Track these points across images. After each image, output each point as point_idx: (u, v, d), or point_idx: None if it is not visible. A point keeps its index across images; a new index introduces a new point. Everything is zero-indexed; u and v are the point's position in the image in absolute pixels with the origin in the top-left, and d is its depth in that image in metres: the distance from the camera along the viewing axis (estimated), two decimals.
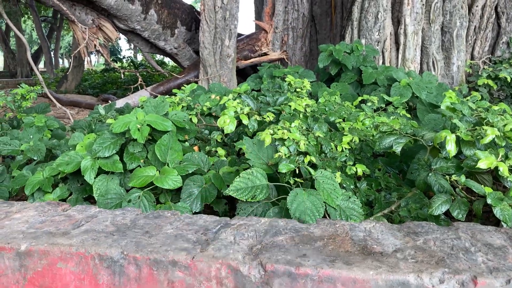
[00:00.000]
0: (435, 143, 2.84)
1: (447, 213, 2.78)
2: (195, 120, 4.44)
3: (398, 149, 2.93)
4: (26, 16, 27.62)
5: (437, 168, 2.80)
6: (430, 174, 2.73)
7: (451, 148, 2.68)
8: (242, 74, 9.81)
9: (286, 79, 5.32)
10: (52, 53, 28.86)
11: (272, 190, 2.91)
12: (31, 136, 4.93)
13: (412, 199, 2.81)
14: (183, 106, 4.72)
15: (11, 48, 30.36)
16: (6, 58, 30.97)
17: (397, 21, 7.27)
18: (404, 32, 7.06)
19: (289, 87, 5.22)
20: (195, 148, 4.15)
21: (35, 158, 4.47)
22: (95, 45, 9.07)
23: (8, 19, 8.52)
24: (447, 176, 2.75)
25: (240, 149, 4.27)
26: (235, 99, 4.71)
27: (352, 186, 3.08)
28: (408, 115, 4.16)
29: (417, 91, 4.89)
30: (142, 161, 3.54)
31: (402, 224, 2.06)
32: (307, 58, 9.87)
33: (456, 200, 2.58)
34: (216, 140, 4.32)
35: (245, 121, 3.89)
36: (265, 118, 3.98)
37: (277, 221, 2.20)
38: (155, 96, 8.43)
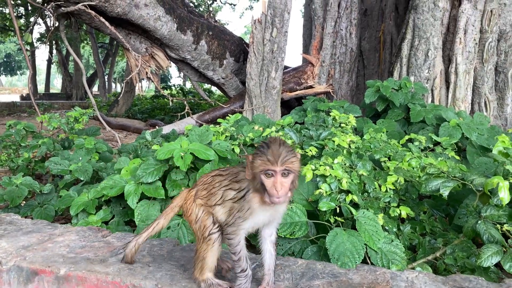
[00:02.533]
0: (486, 189, 2.70)
1: (498, 265, 2.61)
2: (237, 150, 4.46)
3: (445, 192, 2.80)
4: (85, 42, 29.21)
5: (487, 215, 2.65)
6: (479, 221, 2.58)
7: (504, 196, 2.54)
8: (287, 106, 9.85)
9: (331, 113, 5.29)
10: (106, 77, 30.25)
11: (311, 228, 2.84)
12: (80, 158, 5.12)
13: (459, 247, 2.66)
14: (226, 136, 4.77)
15: (69, 71, 32.12)
16: (64, 80, 32.76)
17: (448, 59, 7.12)
18: (455, 71, 6.89)
19: (333, 121, 5.17)
20: None
21: (82, 179, 4.62)
22: (146, 72, 9.42)
23: (68, 44, 9.03)
24: (498, 225, 2.60)
25: None
26: (278, 131, 4.71)
27: (395, 229, 2.96)
28: (457, 157, 3.99)
29: (467, 132, 4.72)
30: (183, 188, 3.57)
31: (448, 277, 1.95)
32: (353, 92, 9.81)
33: (508, 251, 2.42)
34: None
35: None
36: (307, 152, 3.94)
37: (315, 263, 2.14)
38: (201, 124, 8.60)
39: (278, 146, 1.85)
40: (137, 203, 3.51)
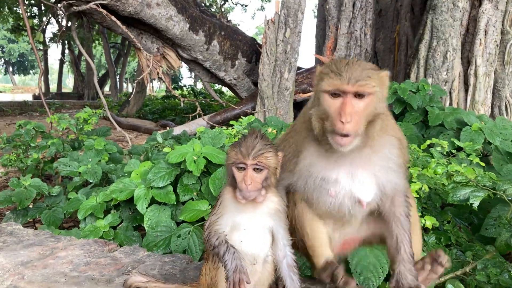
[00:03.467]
0: None
1: None
2: None
3: (475, 203, 2.63)
4: (97, 42, 29.31)
5: None
6: None
7: None
8: (299, 108, 9.67)
9: None
10: (117, 77, 30.32)
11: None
12: (90, 159, 5.00)
13: (491, 262, 2.49)
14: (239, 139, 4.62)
15: (81, 71, 32.25)
16: (76, 80, 32.91)
17: (467, 61, 6.91)
18: (475, 73, 6.68)
19: None
20: None
21: (91, 181, 4.51)
22: (158, 73, 9.32)
23: (79, 44, 8.97)
24: None
25: None
26: None
27: None
28: (482, 164, 3.80)
29: (490, 137, 4.52)
30: (195, 193, 3.44)
31: None
32: None
33: None
34: None
35: None
36: None
37: None
38: (212, 126, 8.48)
39: (253, 139, 1.71)
40: (147, 208, 3.38)
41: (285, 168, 1.88)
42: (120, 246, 2.41)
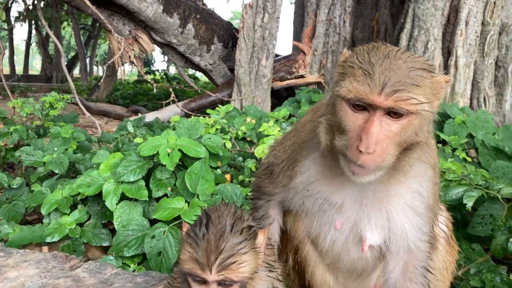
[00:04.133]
0: None
1: None
2: (229, 145, 4.09)
3: (469, 203, 2.49)
4: (66, 23, 28.22)
5: None
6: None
7: None
8: (276, 96, 9.46)
9: None
10: (87, 60, 29.37)
11: None
12: (55, 148, 4.67)
13: (485, 266, 2.36)
14: (217, 129, 4.39)
15: (49, 53, 31.06)
16: (44, 62, 31.68)
17: (447, 51, 6.83)
18: (455, 64, 6.60)
19: None
20: (227, 177, 3.78)
21: (57, 172, 4.20)
22: (129, 56, 8.92)
23: (46, 25, 8.47)
24: None
25: None
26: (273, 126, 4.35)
27: None
28: (469, 159, 3.69)
29: (474, 131, 4.42)
30: (169, 189, 3.20)
31: None
32: None
33: None
34: (250, 169, 3.94)
35: None
36: None
37: None
38: (187, 113, 8.18)
39: (218, 233, 1.18)
40: (116, 204, 3.12)
41: (277, 180, 1.47)
42: (90, 258, 2.09)
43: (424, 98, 1.18)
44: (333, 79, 9.14)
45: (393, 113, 1.18)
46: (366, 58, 1.21)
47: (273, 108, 8.21)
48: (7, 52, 27.92)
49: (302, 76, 9.16)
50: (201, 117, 4.54)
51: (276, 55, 9.58)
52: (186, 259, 1.19)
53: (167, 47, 9.65)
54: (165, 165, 3.09)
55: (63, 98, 5.99)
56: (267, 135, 3.95)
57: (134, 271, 2.73)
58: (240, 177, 3.78)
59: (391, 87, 1.13)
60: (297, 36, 10.49)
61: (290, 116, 5.67)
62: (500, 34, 6.73)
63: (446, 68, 6.75)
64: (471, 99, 6.76)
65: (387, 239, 1.40)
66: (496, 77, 6.86)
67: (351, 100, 1.18)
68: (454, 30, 6.62)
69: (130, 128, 4.69)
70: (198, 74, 20.07)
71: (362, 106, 1.19)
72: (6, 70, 29.61)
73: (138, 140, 4.04)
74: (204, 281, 1.18)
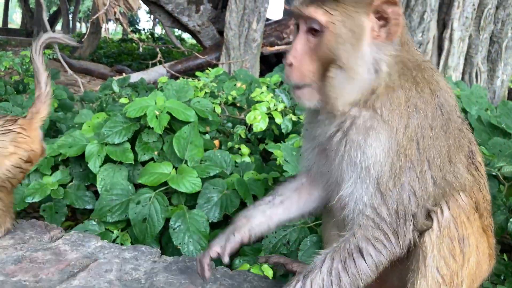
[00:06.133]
0: None
1: None
2: (218, 110, 3.94)
3: None
4: None
5: None
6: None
7: None
8: (265, 62, 9.24)
9: None
10: (70, 16, 28.35)
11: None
12: None
13: None
14: (206, 92, 4.22)
15: (30, 6, 29.84)
16: (24, 16, 30.46)
17: (442, 24, 6.69)
18: (450, 37, 6.48)
19: None
20: (216, 142, 3.66)
21: None
22: (115, 13, 8.54)
23: None
24: None
25: (265, 149, 3.79)
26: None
27: None
28: None
29: (467, 106, 4.35)
30: (156, 153, 3.07)
31: None
32: None
33: None
34: (239, 135, 3.82)
35: (278, 119, 3.40)
36: (300, 119, 3.48)
37: None
38: (173, 75, 7.94)
39: None
40: (100, 167, 2.98)
41: None
42: (73, 223, 1.93)
43: (340, 13, 1.23)
44: None
45: (314, 30, 1.25)
46: None
47: (261, 74, 8.02)
48: None
49: None
50: (190, 80, 4.36)
51: (267, 19, 9.31)
52: None
53: (154, 5, 9.28)
54: (152, 128, 2.95)
55: (44, 53, 5.71)
56: (258, 101, 3.81)
57: (117, 237, 2.63)
58: (229, 144, 3.66)
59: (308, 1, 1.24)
60: (288, 0, 10.19)
61: (281, 83, 5.51)
62: (497, 8, 6.60)
63: (440, 41, 6.63)
64: (463, 74, 6.69)
65: (340, 198, 1.39)
66: (490, 53, 6.78)
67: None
68: (451, 2, 6.47)
69: (115, 88, 4.49)
70: (185, 35, 19.58)
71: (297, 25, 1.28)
72: None
73: (123, 100, 3.86)
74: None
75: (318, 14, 1.23)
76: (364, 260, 1.33)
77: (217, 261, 1.61)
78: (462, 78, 6.67)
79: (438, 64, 6.63)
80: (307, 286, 1.33)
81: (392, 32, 1.30)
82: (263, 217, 1.61)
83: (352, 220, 1.36)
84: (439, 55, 6.65)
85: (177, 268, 1.75)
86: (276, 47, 8.97)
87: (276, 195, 1.66)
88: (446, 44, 6.52)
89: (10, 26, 37.43)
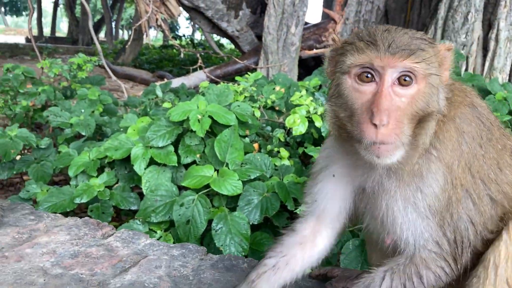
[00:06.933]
0: None
1: None
2: (257, 113, 3.98)
3: None
4: None
5: None
6: None
7: None
8: (303, 66, 9.24)
9: None
10: (113, 24, 29.29)
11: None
12: (83, 110, 4.65)
13: None
14: (245, 97, 4.27)
15: (76, 15, 31.06)
16: (70, 25, 31.73)
17: (488, 24, 6.48)
18: (496, 38, 6.27)
19: None
20: (255, 146, 3.70)
21: (83, 134, 4.19)
22: (156, 19, 8.78)
23: None
24: None
25: (304, 152, 3.79)
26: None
27: None
28: None
29: None
30: (198, 156, 3.13)
31: None
32: None
33: None
34: (278, 139, 3.84)
35: (318, 123, 3.39)
36: None
37: None
38: (212, 80, 8.07)
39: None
40: (145, 169, 3.08)
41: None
42: (118, 223, 2.03)
43: (431, 62, 1.17)
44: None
45: (403, 80, 1.15)
46: (365, 33, 1.20)
47: (300, 78, 8.02)
48: (35, 14, 28.03)
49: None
50: (230, 84, 4.43)
51: (306, 23, 9.31)
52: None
53: (194, 12, 9.46)
54: (194, 131, 3.01)
55: (90, 60, 5.94)
56: (298, 105, 3.83)
57: (160, 237, 2.70)
58: (269, 147, 3.69)
59: (397, 48, 1.12)
60: (328, 3, 10.14)
61: (320, 86, 5.50)
62: None
63: (485, 41, 6.43)
64: (509, 75, 6.45)
65: (394, 234, 1.38)
66: None
67: (357, 69, 1.15)
68: (498, 2, 6.26)
69: (159, 93, 4.62)
70: (224, 41, 19.81)
71: (369, 77, 1.15)
72: (34, 32, 29.79)
73: (166, 105, 3.96)
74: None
75: (418, 64, 1.15)
76: (424, 284, 1.37)
77: None
78: (509, 80, 6.43)
79: (483, 65, 6.43)
80: None
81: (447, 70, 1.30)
82: (267, 285, 1.52)
83: (410, 251, 1.38)
84: (484, 56, 6.44)
85: (224, 266, 1.79)
86: (315, 51, 8.95)
87: (280, 255, 1.56)
88: (492, 45, 6.32)
89: (57, 34, 39.03)
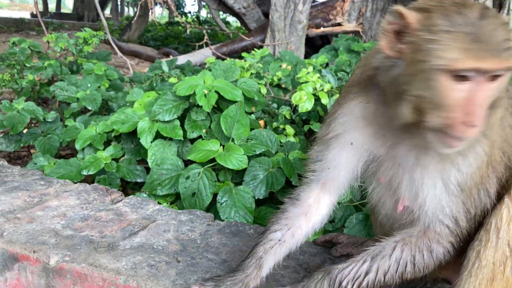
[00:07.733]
0: None
1: None
2: (264, 90, 3.98)
3: None
4: None
5: None
6: None
7: None
8: (310, 44, 9.15)
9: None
10: (119, 0, 29.03)
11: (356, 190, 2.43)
12: (89, 85, 4.66)
13: None
14: (252, 73, 4.26)
15: None
16: (76, 1, 31.46)
17: (498, 3, 6.38)
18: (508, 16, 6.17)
19: None
20: (261, 122, 3.70)
21: (90, 108, 4.21)
22: None
23: None
24: None
25: (310, 129, 3.80)
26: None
27: None
28: None
29: None
30: (204, 131, 3.15)
31: None
32: None
33: None
34: (284, 116, 3.84)
35: (324, 100, 3.39)
36: None
37: None
38: (218, 57, 8.02)
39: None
40: (151, 142, 3.10)
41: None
42: (124, 195, 2.05)
43: None
44: (371, 29, 8.74)
45: (495, 76, 1.10)
46: (460, 19, 1.10)
47: (306, 56, 7.96)
48: None
49: (339, 24, 8.79)
50: (236, 60, 4.41)
51: (313, 1, 9.19)
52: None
53: None
54: (201, 106, 3.02)
55: (96, 34, 5.91)
56: (304, 82, 3.82)
57: None
58: (274, 124, 3.69)
59: (500, 47, 1.06)
60: None
61: (327, 64, 5.46)
62: None
63: None
64: None
65: (414, 205, 1.40)
66: None
67: (457, 72, 1.08)
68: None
69: (165, 68, 4.61)
70: (230, 19, 19.62)
71: (467, 76, 1.09)
72: (40, 7, 29.59)
73: (172, 80, 3.96)
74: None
75: None
76: (433, 258, 1.41)
77: None
78: None
79: None
80: (373, 268, 1.39)
81: None
82: (273, 259, 1.55)
83: (425, 223, 1.40)
84: None
85: (230, 231, 1.84)
86: (322, 29, 8.86)
87: (286, 228, 1.56)
88: None
89: (62, 10, 38.75)
